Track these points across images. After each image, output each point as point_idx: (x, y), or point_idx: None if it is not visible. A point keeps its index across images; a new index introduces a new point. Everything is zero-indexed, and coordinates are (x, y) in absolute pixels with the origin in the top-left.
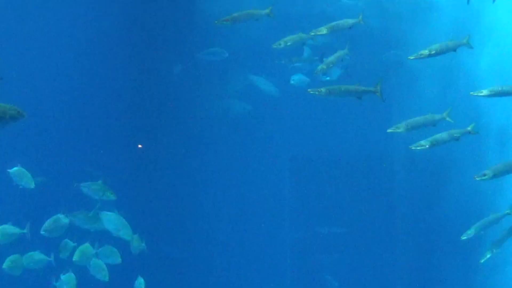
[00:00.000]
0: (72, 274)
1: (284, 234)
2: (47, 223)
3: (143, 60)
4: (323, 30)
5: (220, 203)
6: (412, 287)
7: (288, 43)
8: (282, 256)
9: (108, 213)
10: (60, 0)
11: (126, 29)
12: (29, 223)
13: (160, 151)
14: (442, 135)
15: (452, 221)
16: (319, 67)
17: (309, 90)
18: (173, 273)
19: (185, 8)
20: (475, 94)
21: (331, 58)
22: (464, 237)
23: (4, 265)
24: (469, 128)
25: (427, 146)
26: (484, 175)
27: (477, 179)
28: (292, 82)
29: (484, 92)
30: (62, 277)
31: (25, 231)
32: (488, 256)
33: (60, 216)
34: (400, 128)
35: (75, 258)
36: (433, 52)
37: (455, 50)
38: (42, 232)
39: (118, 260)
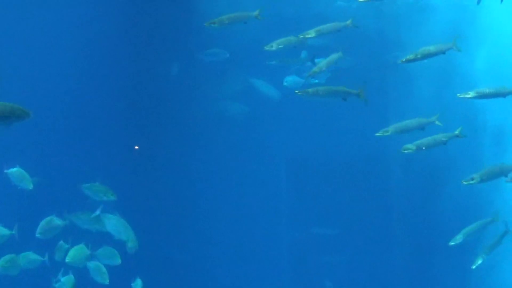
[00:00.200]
0: (72, 276)
1: (281, 235)
2: (41, 225)
3: (142, 61)
4: (312, 33)
5: (218, 204)
6: None
7: (280, 46)
8: (280, 258)
9: (110, 215)
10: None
11: (125, 29)
12: (17, 224)
13: (157, 152)
14: (429, 139)
15: (449, 222)
16: (312, 70)
17: (296, 91)
18: (171, 275)
19: (183, 8)
20: (461, 96)
21: (324, 62)
22: (452, 243)
23: None
24: (456, 132)
25: (414, 149)
26: (472, 179)
27: (465, 183)
28: (285, 83)
29: (471, 94)
30: (62, 279)
31: (13, 232)
32: (479, 262)
33: (54, 217)
34: (388, 131)
35: (67, 259)
36: (419, 56)
37: (444, 53)
38: (37, 235)
39: (118, 261)
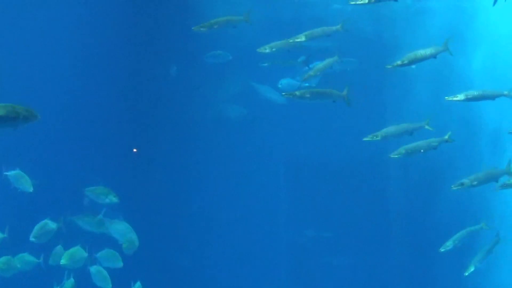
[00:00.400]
0: (72, 280)
1: (281, 237)
2: (36, 229)
3: (143, 63)
4: (301, 37)
5: (217, 206)
6: None
7: (274, 49)
8: (279, 260)
9: (114, 220)
10: (59, 0)
11: (125, 31)
12: (8, 226)
13: (157, 154)
14: (419, 144)
15: (447, 224)
16: (307, 74)
17: (283, 93)
18: (170, 278)
19: (184, 10)
20: (450, 99)
21: (320, 66)
22: (442, 249)
23: None
24: (446, 137)
25: (403, 152)
26: (462, 184)
27: (454, 188)
28: (280, 86)
29: (459, 96)
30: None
31: (5, 235)
32: (472, 269)
33: (48, 221)
34: (378, 136)
35: (63, 261)
36: (406, 61)
37: (435, 57)
38: (31, 239)
39: (120, 264)
